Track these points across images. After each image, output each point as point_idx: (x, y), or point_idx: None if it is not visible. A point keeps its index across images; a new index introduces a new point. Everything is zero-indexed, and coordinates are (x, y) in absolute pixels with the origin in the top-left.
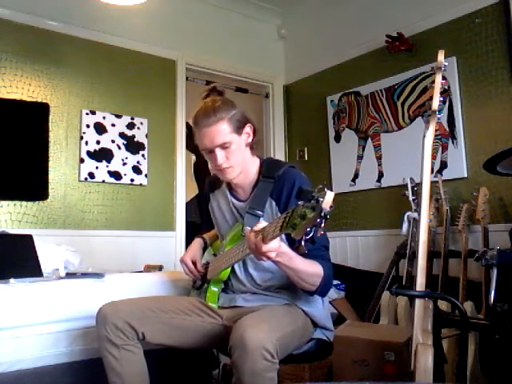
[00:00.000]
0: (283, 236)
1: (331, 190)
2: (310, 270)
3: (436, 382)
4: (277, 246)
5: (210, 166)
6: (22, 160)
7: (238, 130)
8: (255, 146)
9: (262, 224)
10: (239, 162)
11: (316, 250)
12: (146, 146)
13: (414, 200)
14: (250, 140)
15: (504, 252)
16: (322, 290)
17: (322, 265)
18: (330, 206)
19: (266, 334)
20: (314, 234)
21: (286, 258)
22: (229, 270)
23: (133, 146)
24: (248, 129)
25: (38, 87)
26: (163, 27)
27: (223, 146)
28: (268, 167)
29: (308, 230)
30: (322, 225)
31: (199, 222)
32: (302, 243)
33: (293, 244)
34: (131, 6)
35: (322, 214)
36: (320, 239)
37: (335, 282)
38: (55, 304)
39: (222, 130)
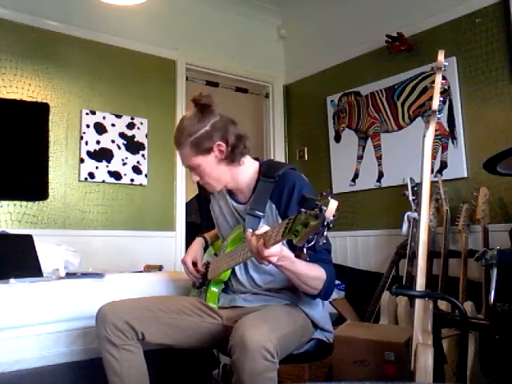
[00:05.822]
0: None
1: (332, 192)
2: (312, 273)
3: (436, 382)
4: (278, 251)
5: None
6: (22, 160)
7: (204, 151)
8: (238, 157)
9: (264, 228)
10: (216, 178)
11: (318, 253)
12: (145, 146)
13: (413, 200)
14: (223, 156)
15: (504, 252)
16: (325, 294)
17: (324, 268)
18: (333, 215)
19: (266, 334)
20: (316, 242)
21: (288, 262)
22: (229, 271)
23: (133, 146)
24: (219, 146)
25: (38, 87)
26: (163, 27)
27: (191, 168)
28: (268, 168)
29: (310, 237)
30: (325, 233)
31: (199, 222)
32: (304, 251)
33: (294, 250)
34: (131, 6)
35: (325, 223)
36: None
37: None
38: (55, 304)
39: (185, 154)
